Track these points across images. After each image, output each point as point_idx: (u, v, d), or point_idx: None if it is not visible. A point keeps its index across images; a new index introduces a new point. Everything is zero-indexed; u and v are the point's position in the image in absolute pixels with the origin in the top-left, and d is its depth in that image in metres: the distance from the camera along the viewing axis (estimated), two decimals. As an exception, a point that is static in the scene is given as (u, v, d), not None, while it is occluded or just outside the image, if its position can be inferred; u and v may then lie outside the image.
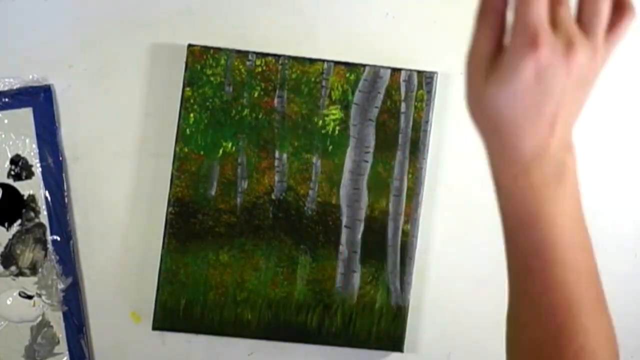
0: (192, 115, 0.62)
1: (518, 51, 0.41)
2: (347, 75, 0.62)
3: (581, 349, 0.47)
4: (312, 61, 0.62)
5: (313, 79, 0.62)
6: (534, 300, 0.47)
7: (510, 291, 0.48)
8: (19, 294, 0.62)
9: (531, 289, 0.47)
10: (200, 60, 0.62)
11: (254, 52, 0.62)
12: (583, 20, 0.42)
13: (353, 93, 0.62)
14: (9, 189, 0.62)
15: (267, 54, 0.62)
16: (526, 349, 0.48)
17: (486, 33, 0.44)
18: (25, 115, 0.62)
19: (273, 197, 0.62)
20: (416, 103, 0.62)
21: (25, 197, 0.62)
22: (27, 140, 0.62)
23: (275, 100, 0.62)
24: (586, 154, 0.65)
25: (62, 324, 0.63)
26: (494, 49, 0.44)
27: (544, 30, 0.41)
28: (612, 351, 0.50)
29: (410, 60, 0.63)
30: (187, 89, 0.62)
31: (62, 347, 0.63)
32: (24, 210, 0.62)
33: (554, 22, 0.41)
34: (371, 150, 0.62)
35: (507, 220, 0.48)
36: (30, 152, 0.62)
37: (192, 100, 0.62)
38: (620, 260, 0.65)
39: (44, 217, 0.62)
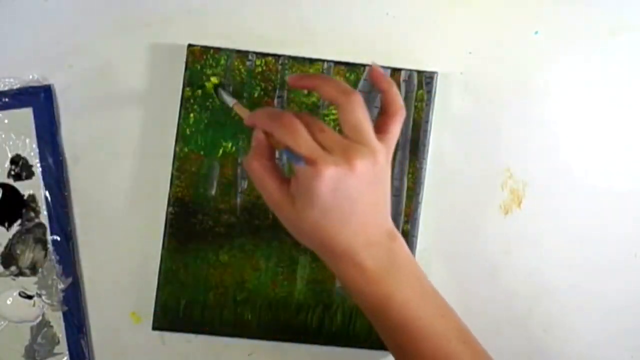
0: (192, 115, 0.62)
1: (306, 178, 0.47)
2: (347, 75, 0.62)
3: None
4: (312, 61, 0.62)
5: (313, 79, 0.62)
6: None
7: None
8: (19, 294, 0.62)
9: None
10: (200, 60, 0.62)
11: (254, 52, 0.62)
12: (349, 133, 0.49)
13: (353, 93, 0.62)
14: (9, 189, 0.62)
15: (267, 54, 0.62)
16: None
17: (269, 176, 0.51)
18: (25, 115, 0.62)
19: (273, 197, 0.62)
20: (416, 103, 0.62)
21: (25, 197, 0.62)
22: (27, 140, 0.62)
23: (275, 100, 0.62)
24: (586, 155, 0.65)
25: (62, 324, 0.63)
26: (280, 181, 0.50)
27: (319, 155, 0.47)
28: None
29: (410, 60, 0.63)
30: (187, 89, 0.62)
31: (62, 347, 0.63)
32: (24, 210, 0.62)
33: (324, 146, 0.48)
34: (371, 150, 0.62)
35: (363, 305, 0.52)
36: (30, 152, 0.62)
37: (192, 100, 0.62)
38: (620, 260, 0.65)
39: (44, 217, 0.62)
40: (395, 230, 0.51)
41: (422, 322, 0.50)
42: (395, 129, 0.52)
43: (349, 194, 0.47)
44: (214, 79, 0.60)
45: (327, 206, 0.48)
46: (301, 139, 0.48)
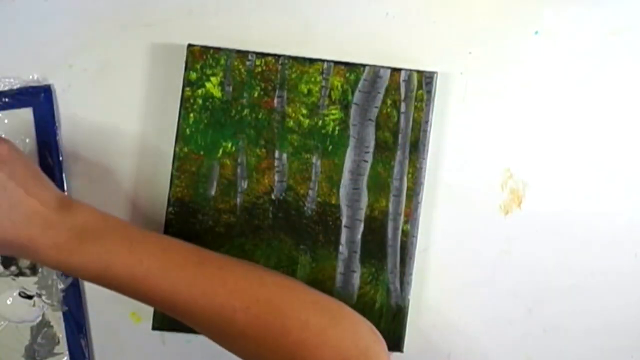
0: (192, 115, 0.62)
1: None
2: (347, 75, 0.62)
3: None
4: (312, 61, 0.62)
5: (313, 79, 0.62)
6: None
7: None
8: (19, 294, 0.62)
9: None
10: (200, 60, 0.62)
11: (254, 52, 0.62)
12: None
13: (353, 93, 0.62)
14: (9, 189, 0.62)
15: (267, 54, 0.62)
16: None
17: None
18: (25, 115, 0.62)
19: (273, 197, 0.62)
20: (416, 103, 0.62)
21: (25, 197, 0.62)
22: (27, 140, 0.62)
23: (275, 100, 0.62)
24: (586, 155, 0.65)
25: (62, 324, 0.63)
26: None
27: None
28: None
29: (410, 60, 0.63)
30: (187, 89, 0.62)
31: (62, 347, 0.63)
32: (24, 210, 0.62)
33: None
34: (371, 150, 0.62)
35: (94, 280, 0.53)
36: (30, 152, 0.62)
37: (192, 100, 0.62)
38: (620, 260, 0.65)
39: (44, 217, 0.62)
40: (68, 201, 0.53)
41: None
42: None
43: None
44: None
45: None
46: None
